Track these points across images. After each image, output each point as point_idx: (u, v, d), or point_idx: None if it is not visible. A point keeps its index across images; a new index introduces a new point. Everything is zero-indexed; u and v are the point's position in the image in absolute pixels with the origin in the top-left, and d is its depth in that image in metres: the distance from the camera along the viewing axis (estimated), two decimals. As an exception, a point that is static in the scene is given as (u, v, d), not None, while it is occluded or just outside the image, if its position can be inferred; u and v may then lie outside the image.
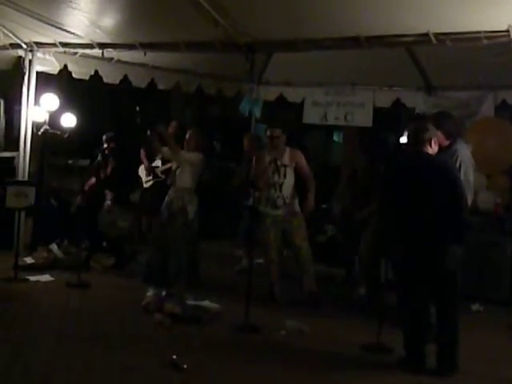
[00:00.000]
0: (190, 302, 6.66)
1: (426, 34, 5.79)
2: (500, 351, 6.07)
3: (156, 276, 7.49)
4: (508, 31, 5.40)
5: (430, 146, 5.48)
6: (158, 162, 9.40)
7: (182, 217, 7.52)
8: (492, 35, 5.53)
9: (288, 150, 7.22)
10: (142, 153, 9.47)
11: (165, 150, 7.78)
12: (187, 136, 7.72)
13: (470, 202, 6.10)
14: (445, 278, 5.39)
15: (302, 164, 7.24)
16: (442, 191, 5.32)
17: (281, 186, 7.06)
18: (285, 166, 7.09)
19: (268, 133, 7.19)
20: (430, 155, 5.51)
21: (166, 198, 7.65)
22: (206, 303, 6.69)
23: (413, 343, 5.51)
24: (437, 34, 5.75)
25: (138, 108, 7.91)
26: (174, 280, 7.34)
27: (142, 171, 9.52)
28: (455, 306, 5.48)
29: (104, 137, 8.76)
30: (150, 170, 9.39)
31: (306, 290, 7.12)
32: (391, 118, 11.14)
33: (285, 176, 7.07)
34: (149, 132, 7.87)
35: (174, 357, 5.21)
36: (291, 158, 7.16)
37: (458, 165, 6.14)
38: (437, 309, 5.52)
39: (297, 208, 7.15)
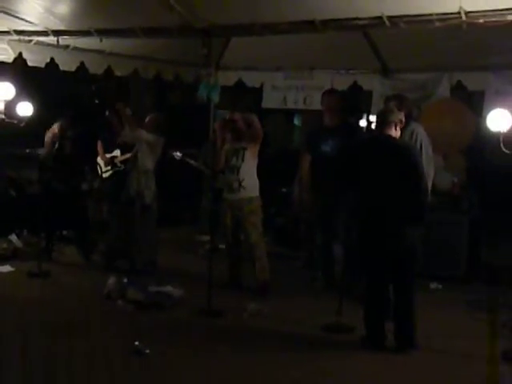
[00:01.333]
0: (153, 288, 6.68)
1: (380, 17, 5.84)
2: (458, 327, 6.21)
3: (117, 263, 7.49)
4: (459, 13, 5.48)
5: (395, 128, 5.61)
6: (116, 152, 9.36)
7: (139, 201, 7.52)
8: (444, 17, 5.60)
9: (248, 117, 7.08)
10: (99, 143, 9.40)
11: (125, 131, 7.75)
12: (146, 119, 7.76)
13: (432, 176, 6.31)
14: (403, 258, 5.50)
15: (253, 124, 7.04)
16: (403, 173, 5.43)
17: (238, 169, 6.96)
18: (243, 148, 6.99)
19: (228, 117, 7.14)
20: (393, 137, 5.62)
21: (126, 185, 7.64)
22: (168, 289, 6.72)
23: (372, 320, 5.62)
24: (390, 17, 5.80)
25: (93, 87, 7.85)
26: (135, 266, 7.35)
27: (100, 160, 9.46)
28: (412, 285, 5.59)
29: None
30: (109, 161, 9.35)
31: (257, 277, 7.08)
32: (349, 101, 11.22)
33: (243, 159, 6.96)
34: (107, 112, 7.84)
35: (137, 343, 5.24)
36: (249, 138, 7.03)
37: (419, 144, 6.34)
38: (393, 286, 5.64)
39: (254, 193, 7.04)
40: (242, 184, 6.93)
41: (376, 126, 5.83)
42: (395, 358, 5.42)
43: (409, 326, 5.56)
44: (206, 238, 8.44)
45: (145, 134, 7.60)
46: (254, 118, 7.05)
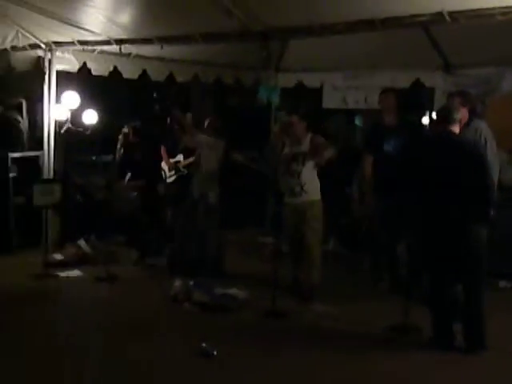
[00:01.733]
0: (218, 291, 6.74)
1: (440, 13, 5.73)
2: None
3: (182, 266, 7.58)
4: (522, 6, 5.35)
5: (459, 125, 5.57)
6: (179, 157, 9.47)
7: (203, 203, 7.60)
8: (506, 11, 5.47)
9: (309, 137, 7.02)
10: (163, 149, 9.54)
11: (185, 137, 7.90)
12: (205, 123, 7.90)
13: (497, 172, 6.20)
14: (470, 257, 5.42)
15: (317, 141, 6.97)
16: (471, 171, 5.38)
17: (299, 173, 6.89)
18: (303, 153, 6.90)
19: (285, 120, 7.14)
20: (459, 135, 5.59)
21: (189, 189, 7.76)
22: (234, 291, 6.77)
23: (441, 322, 5.54)
24: (451, 13, 5.69)
25: (155, 94, 8.00)
26: (200, 268, 7.41)
27: (164, 165, 9.60)
28: (481, 284, 5.52)
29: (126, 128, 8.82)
30: (173, 166, 9.47)
31: (304, 281, 6.98)
32: (412, 98, 11.08)
33: (303, 164, 6.89)
34: (169, 120, 7.98)
35: (204, 344, 5.30)
36: (312, 147, 6.92)
37: (483, 140, 6.24)
38: (463, 287, 5.54)
39: (315, 196, 6.98)
40: (304, 188, 6.89)
41: (438, 123, 5.74)
42: (464, 360, 5.33)
43: (478, 327, 5.47)
44: (270, 240, 8.46)
45: (204, 138, 7.71)
46: (321, 141, 6.99)
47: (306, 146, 6.94)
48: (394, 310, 6.06)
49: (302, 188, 6.89)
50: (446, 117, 5.60)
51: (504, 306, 6.44)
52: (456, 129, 5.56)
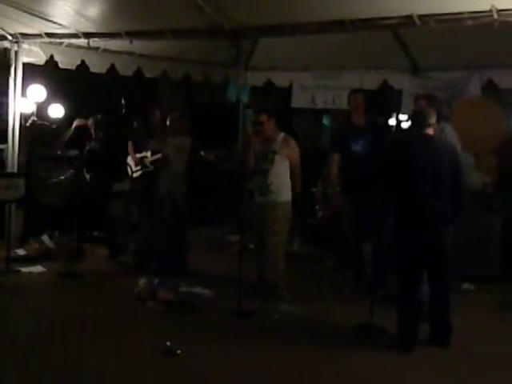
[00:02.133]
0: (183, 289, 6.71)
1: (410, 16, 5.80)
2: (489, 329, 6.15)
3: (147, 264, 7.52)
4: (491, 11, 5.42)
5: (433, 128, 5.68)
6: (147, 152, 9.38)
7: (169, 202, 7.54)
8: (475, 16, 5.55)
9: (282, 136, 6.83)
10: (130, 145, 9.43)
11: (151, 142, 7.81)
12: (168, 121, 7.73)
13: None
14: (442, 257, 5.54)
15: (292, 156, 6.81)
16: (445, 171, 5.51)
17: (267, 172, 6.73)
18: (274, 152, 6.74)
19: (253, 118, 6.97)
20: (433, 137, 5.69)
21: (155, 187, 7.69)
22: (199, 289, 6.76)
23: (408, 321, 5.59)
24: (420, 16, 5.76)
25: (123, 100, 7.90)
26: (164, 267, 7.35)
27: (130, 160, 9.49)
28: (448, 283, 5.65)
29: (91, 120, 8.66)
30: (139, 161, 9.36)
31: (268, 282, 6.85)
32: (379, 100, 11.16)
33: (272, 163, 6.73)
34: (135, 124, 7.90)
35: (168, 343, 5.26)
36: (283, 146, 6.77)
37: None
38: (431, 286, 5.65)
39: (282, 197, 6.77)
40: (270, 187, 6.72)
41: (414, 126, 5.78)
42: (426, 360, 5.37)
43: (445, 327, 5.57)
44: (236, 238, 8.45)
45: (172, 142, 7.59)
46: (291, 147, 6.86)
47: (277, 144, 6.77)
48: (358, 310, 6.08)
49: (268, 188, 6.74)
50: (422, 120, 5.66)
51: (466, 308, 6.50)
52: (431, 132, 5.65)
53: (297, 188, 6.89)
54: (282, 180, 6.77)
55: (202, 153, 11.35)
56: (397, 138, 6.73)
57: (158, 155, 8.38)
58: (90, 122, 8.62)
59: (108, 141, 8.57)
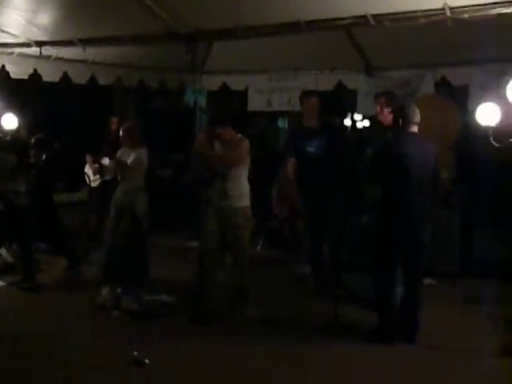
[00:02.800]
0: (146, 297, 6.64)
1: (364, 16, 5.84)
2: (455, 323, 6.25)
3: (111, 274, 7.39)
4: (444, 9, 5.49)
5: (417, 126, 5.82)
6: (105, 161, 9.26)
7: (129, 215, 7.37)
8: (428, 14, 5.61)
9: (238, 140, 6.68)
10: (88, 158, 9.28)
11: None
12: (121, 133, 7.48)
13: None
14: (420, 254, 5.71)
15: (236, 149, 6.62)
16: (428, 168, 5.70)
17: (225, 177, 6.55)
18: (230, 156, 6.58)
19: (209, 132, 6.75)
20: (418, 134, 5.83)
21: (114, 197, 7.53)
22: (163, 297, 6.70)
23: (387, 314, 5.73)
24: (374, 16, 5.80)
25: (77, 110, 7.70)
26: (127, 277, 7.21)
27: (88, 169, 9.38)
28: (421, 279, 5.89)
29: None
30: (97, 170, 9.23)
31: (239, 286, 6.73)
32: (334, 101, 11.25)
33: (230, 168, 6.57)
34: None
35: (136, 353, 5.20)
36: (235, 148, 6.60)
37: None
38: (406, 285, 5.79)
39: (241, 203, 6.63)
40: (229, 193, 6.58)
41: (399, 123, 5.81)
42: (390, 355, 5.43)
43: (415, 325, 5.71)
44: (195, 243, 8.39)
45: (130, 161, 7.37)
46: (242, 143, 6.68)
47: (232, 147, 6.62)
48: (323, 311, 6.19)
49: (227, 192, 6.60)
50: (408, 118, 5.75)
51: (430, 303, 6.56)
52: (415, 129, 5.76)
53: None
54: (241, 185, 6.66)
55: (157, 172, 11.24)
56: (385, 138, 6.74)
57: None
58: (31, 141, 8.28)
59: (55, 154, 8.36)
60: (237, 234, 6.64)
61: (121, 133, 7.53)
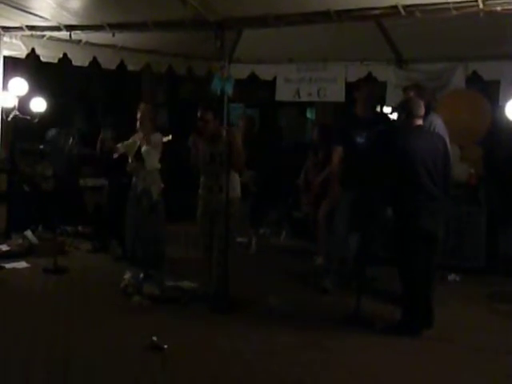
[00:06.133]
0: (169, 283, 6.67)
1: (395, 6, 5.76)
2: (477, 320, 6.18)
3: (133, 258, 7.42)
4: (476, 1, 5.40)
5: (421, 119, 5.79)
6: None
7: (146, 199, 7.36)
8: (461, 5, 5.51)
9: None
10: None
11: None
12: (138, 115, 7.40)
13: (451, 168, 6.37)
14: (437, 242, 5.72)
15: (234, 145, 6.40)
16: (440, 161, 5.69)
17: (217, 173, 6.39)
18: (220, 154, 6.39)
19: (198, 115, 6.59)
20: (424, 128, 5.88)
21: (132, 182, 7.53)
22: (185, 283, 6.71)
23: (417, 306, 5.71)
24: (405, 6, 5.72)
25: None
26: (145, 262, 7.21)
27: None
28: (434, 272, 5.89)
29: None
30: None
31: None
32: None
33: (221, 164, 6.37)
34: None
35: (154, 338, 5.21)
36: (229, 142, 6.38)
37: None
38: (429, 273, 5.77)
39: (234, 194, 6.43)
40: (223, 188, 6.36)
41: (403, 116, 5.76)
42: (413, 350, 5.38)
43: (431, 310, 5.75)
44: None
45: (146, 146, 7.34)
46: (235, 138, 6.48)
47: (223, 143, 6.39)
48: (342, 301, 6.31)
49: (220, 188, 6.37)
50: (411, 110, 5.72)
51: (452, 299, 6.55)
52: (420, 122, 5.72)
53: (238, 168, 6.58)
54: (232, 179, 6.45)
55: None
56: (387, 129, 6.63)
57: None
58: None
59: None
60: (229, 225, 6.39)
61: (138, 115, 7.43)
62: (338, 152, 7.03)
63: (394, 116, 10.91)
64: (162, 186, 7.46)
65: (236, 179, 6.59)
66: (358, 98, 7.10)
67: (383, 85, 9.67)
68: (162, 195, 7.46)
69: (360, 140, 6.88)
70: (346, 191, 6.92)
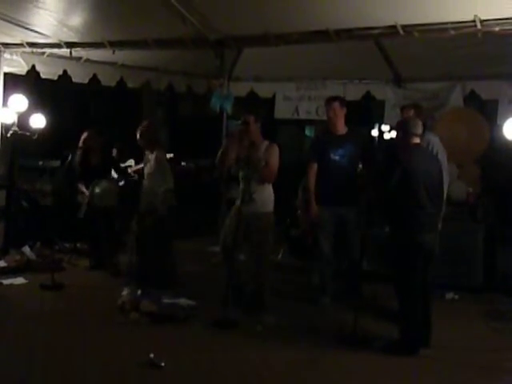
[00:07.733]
0: (166, 300, 6.65)
1: (394, 26, 5.82)
2: (474, 338, 6.15)
3: (133, 275, 7.41)
4: (474, 21, 5.45)
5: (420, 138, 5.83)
6: (130, 162, 9.32)
7: (151, 216, 7.38)
8: (459, 26, 5.57)
9: (266, 144, 6.63)
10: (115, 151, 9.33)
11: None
12: (138, 135, 7.44)
13: (447, 185, 6.41)
14: (431, 259, 5.75)
15: (270, 160, 6.54)
16: (437, 179, 5.77)
17: (250, 180, 6.50)
18: (258, 159, 6.49)
19: (242, 119, 6.70)
20: (422, 147, 5.93)
21: (140, 196, 7.57)
22: (182, 301, 6.69)
23: (414, 326, 5.66)
24: (404, 26, 5.78)
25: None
26: (146, 279, 7.21)
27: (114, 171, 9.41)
28: (430, 289, 5.90)
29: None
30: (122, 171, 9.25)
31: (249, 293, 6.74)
32: (363, 111, 11.22)
33: (256, 171, 6.47)
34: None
35: (152, 355, 5.20)
36: (267, 154, 6.54)
37: (435, 153, 6.37)
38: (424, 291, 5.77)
39: (264, 208, 6.57)
40: (253, 196, 6.50)
41: (401, 135, 5.80)
42: (414, 367, 5.36)
43: (429, 328, 5.76)
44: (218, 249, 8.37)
45: (149, 157, 7.47)
46: (273, 151, 6.62)
47: (261, 152, 6.54)
48: (339, 319, 6.28)
49: (250, 196, 6.51)
50: (409, 129, 5.74)
51: (450, 317, 6.53)
52: (418, 141, 5.75)
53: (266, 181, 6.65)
54: (265, 190, 6.59)
55: (183, 163, 11.30)
56: (387, 147, 6.74)
57: (141, 165, 8.29)
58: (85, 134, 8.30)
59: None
60: (259, 240, 6.58)
61: (138, 134, 7.48)
62: (312, 169, 7.07)
63: (392, 134, 11.05)
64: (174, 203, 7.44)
65: (269, 191, 6.63)
66: (328, 116, 7.11)
67: (381, 103, 9.74)
68: (168, 212, 7.43)
69: (334, 157, 6.97)
70: (323, 210, 6.96)
